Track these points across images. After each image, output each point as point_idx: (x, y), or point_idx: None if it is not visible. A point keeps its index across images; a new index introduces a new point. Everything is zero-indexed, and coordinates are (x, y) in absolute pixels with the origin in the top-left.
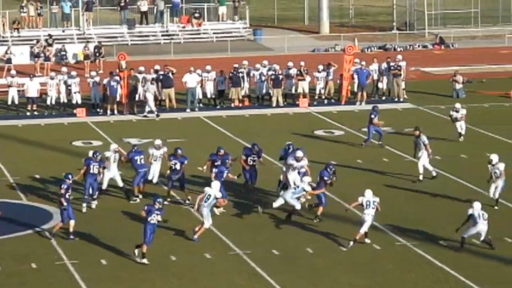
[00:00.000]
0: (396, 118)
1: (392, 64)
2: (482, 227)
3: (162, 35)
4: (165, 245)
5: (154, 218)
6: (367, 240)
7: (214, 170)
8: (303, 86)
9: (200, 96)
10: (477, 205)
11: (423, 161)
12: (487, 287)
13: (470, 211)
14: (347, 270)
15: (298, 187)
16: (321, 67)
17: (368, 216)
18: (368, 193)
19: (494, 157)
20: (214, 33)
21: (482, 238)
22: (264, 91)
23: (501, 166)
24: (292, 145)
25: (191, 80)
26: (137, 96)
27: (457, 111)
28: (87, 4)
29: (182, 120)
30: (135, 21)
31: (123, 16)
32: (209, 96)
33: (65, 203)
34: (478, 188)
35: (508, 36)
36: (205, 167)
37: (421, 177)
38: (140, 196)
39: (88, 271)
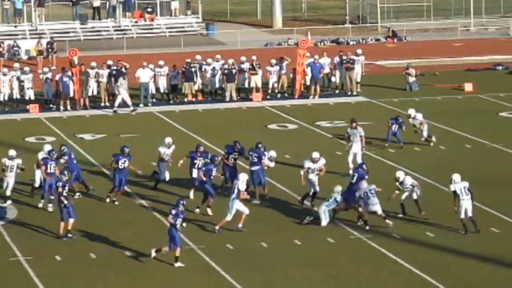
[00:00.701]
0: (349, 112)
1: (344, 58)
2: (466, 203)
3: (115, 30)
4: (119, 241)
5: (179, 222)
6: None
7: (194, 169)
8: (256, 80)
9: (153, 91)
10: (457, 177)
11: (358, 152)
12: (441, 280)
13: (452, 188)
14: (301, 264)
15: (331, 197)
16: (274, 61)
17: (374, 206)
18: (363, 184)
19: (400, 174)
20: (167, 28)
21: (469, 215)
22: (217, 85)
23: (409, 180)
24: (261, 143)
25: (144, 75)
26: (90, 91)
27: (414, 118)
28: (39, 0)
29: (135, 115)
30: (88, 16)
31: (76, 12)
32: (162, 91)
33: (65, 201)
34: (431, 181)
35: (460, 29)
36: (181, 162)
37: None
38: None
39: (42, 267)
